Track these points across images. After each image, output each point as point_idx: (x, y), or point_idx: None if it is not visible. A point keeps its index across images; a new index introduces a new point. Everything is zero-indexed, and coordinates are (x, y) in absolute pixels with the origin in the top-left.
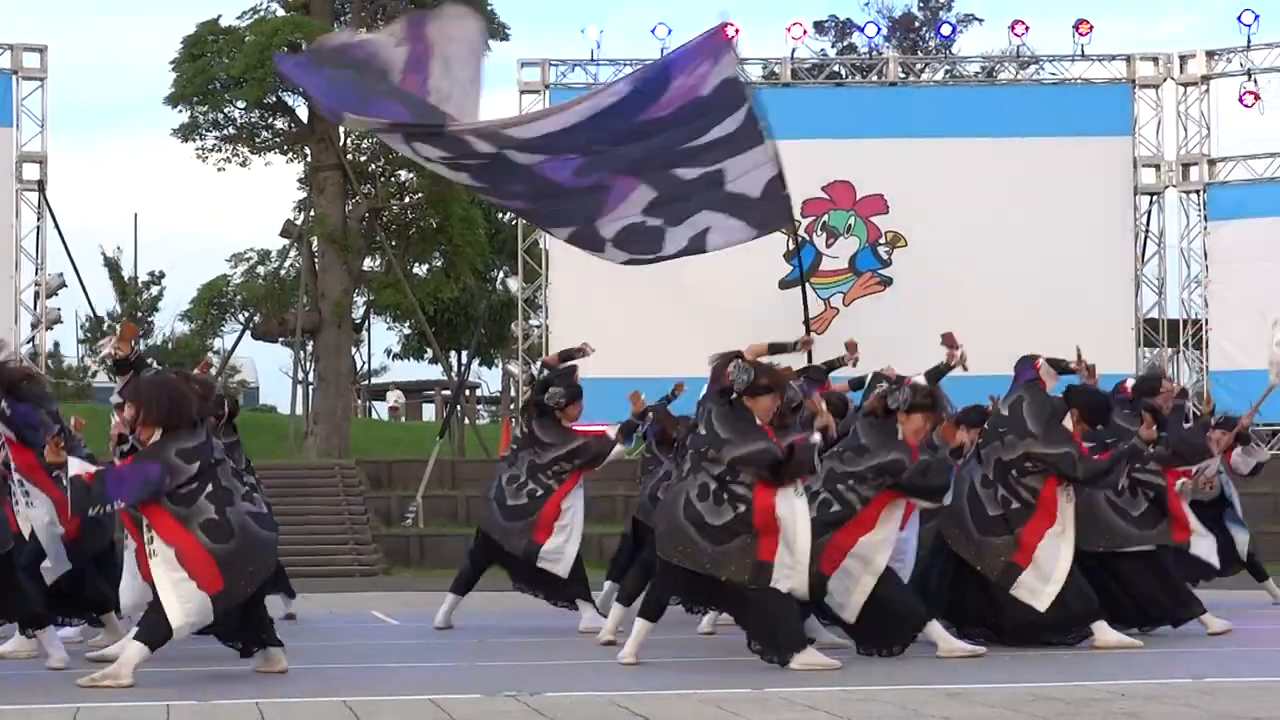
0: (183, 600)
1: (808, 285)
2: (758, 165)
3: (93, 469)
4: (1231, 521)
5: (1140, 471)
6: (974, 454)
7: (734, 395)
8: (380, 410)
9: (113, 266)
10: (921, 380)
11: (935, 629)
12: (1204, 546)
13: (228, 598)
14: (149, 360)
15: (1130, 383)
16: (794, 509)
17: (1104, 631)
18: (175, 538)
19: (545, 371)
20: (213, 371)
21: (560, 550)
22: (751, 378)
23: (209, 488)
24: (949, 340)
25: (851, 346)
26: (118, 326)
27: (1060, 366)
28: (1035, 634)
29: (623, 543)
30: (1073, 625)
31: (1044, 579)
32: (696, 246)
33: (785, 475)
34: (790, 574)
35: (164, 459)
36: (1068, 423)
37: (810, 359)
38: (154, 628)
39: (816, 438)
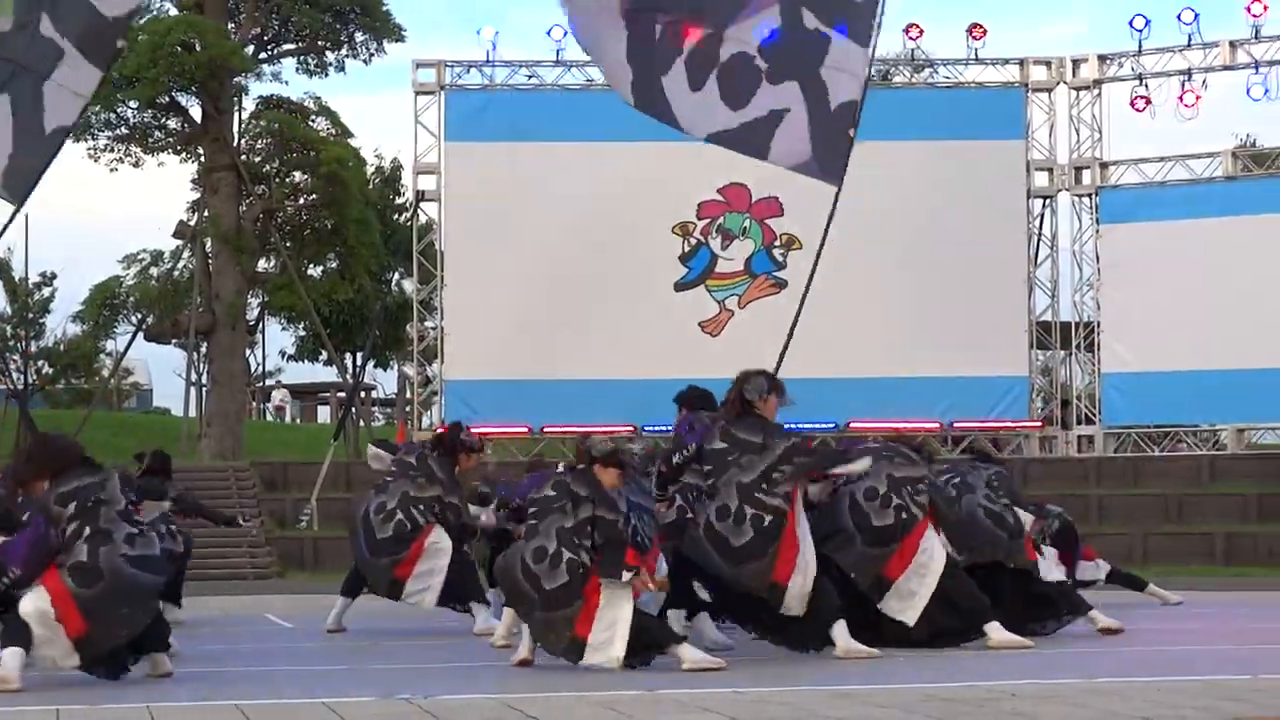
0: (48, 639)
1: (704, 288)
2: (848, 69)
3: None
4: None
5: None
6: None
7: (586, 463)
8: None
9: (3, 267)
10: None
11: (840, 628)
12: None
13: (93, 643)
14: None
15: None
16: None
17: (997, 631)
18: (47, 580)
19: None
20: (104, 373)
21: (425, 585)
22: (609, 450)
23: (86, 530)
24: None
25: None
26: None
27: None
28: (927, 642)
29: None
30: (966, 630)
31: (907, 596)
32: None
33: (600, 555)
34: (601, 650)
35: (44, 507)
36: None
37: None
38: (15, 630)
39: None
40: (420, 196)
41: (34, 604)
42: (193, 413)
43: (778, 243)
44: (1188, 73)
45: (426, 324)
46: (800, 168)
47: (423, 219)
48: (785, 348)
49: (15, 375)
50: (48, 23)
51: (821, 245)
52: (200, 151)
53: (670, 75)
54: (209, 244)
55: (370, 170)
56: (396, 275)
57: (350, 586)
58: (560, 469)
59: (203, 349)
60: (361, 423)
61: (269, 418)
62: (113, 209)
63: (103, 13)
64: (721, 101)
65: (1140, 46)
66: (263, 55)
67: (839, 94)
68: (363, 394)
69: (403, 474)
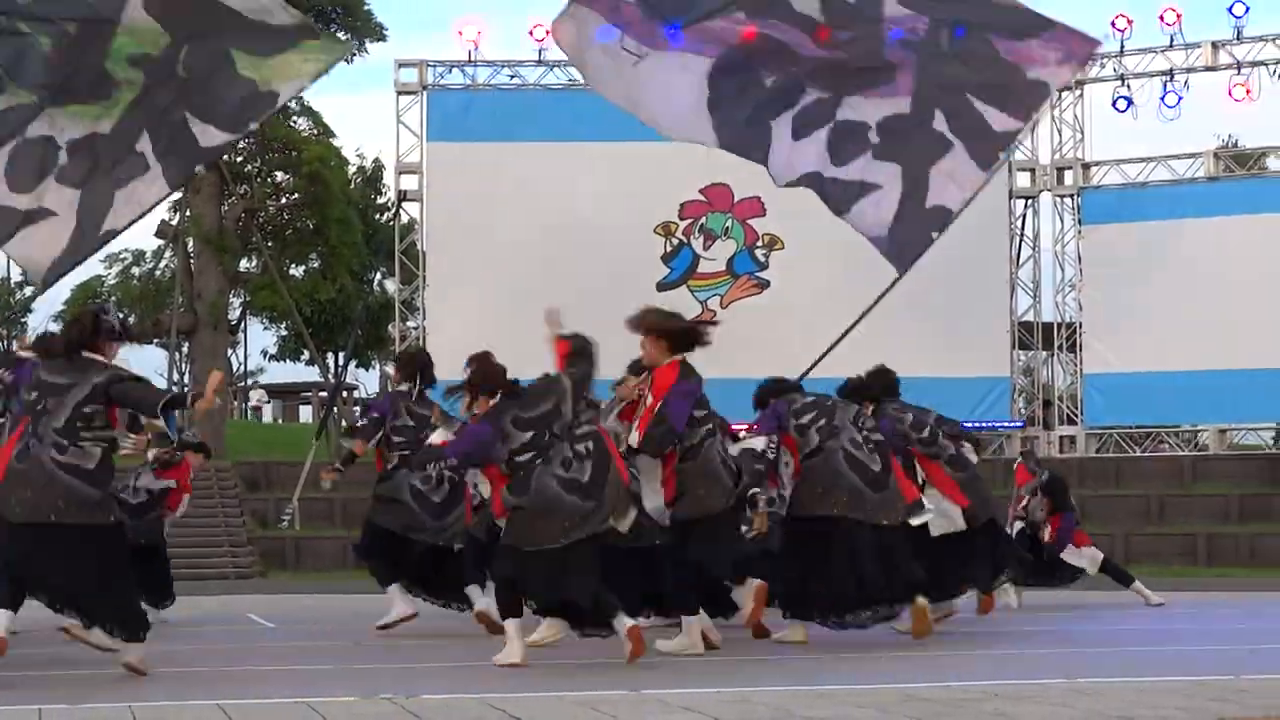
0: None
1: (686, 288)
2: (959, 180)
3: None
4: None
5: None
6: (818, 435)
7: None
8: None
9: None
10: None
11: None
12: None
13: None
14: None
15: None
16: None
17: (922, 600)
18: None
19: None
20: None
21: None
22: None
23: (34, 428)
24: None
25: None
26: None
27: None
28: (914, 591)
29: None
30: (895, 589)
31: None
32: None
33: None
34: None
35: (34, 370)
36: None
37: None
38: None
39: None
40: (402, 196)
41: None
42: None
43: (760, 243)
44: (1170, 73)
45: (408, 324)
46: (874, 240)
47: (405, 219)
48: (824, 354)
49: None
50: (146, 140)
51: (873, 304)
52: None
53: (779, 120)
54: (191, 244)
55: (352, 170)
56: (378, 275)
57: (389, 571)
58: (488, 415)
59: (184, 349)
60: (344, 423)
61: (249, 418)
62: None
63: (200, 142)
64: (826, 152)
65: (1122, 47)
66: None
67: (938, 196)
68: (344, 394)
69: (415, 437)
